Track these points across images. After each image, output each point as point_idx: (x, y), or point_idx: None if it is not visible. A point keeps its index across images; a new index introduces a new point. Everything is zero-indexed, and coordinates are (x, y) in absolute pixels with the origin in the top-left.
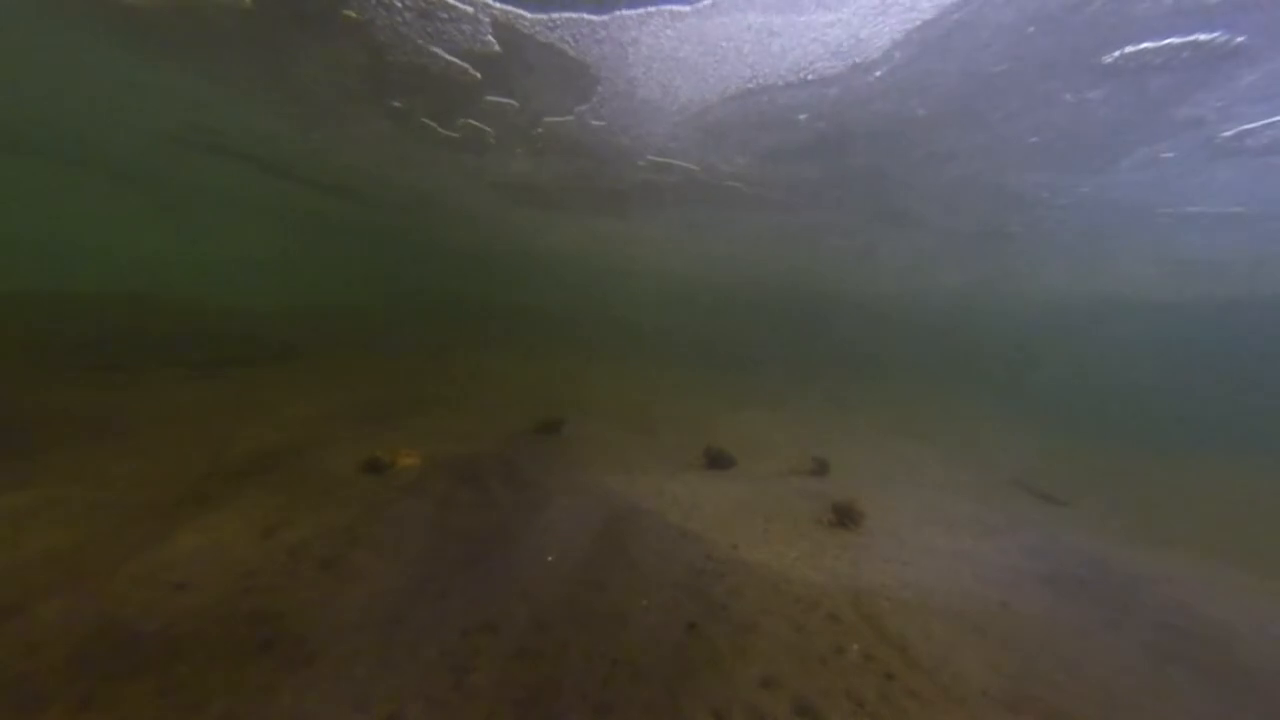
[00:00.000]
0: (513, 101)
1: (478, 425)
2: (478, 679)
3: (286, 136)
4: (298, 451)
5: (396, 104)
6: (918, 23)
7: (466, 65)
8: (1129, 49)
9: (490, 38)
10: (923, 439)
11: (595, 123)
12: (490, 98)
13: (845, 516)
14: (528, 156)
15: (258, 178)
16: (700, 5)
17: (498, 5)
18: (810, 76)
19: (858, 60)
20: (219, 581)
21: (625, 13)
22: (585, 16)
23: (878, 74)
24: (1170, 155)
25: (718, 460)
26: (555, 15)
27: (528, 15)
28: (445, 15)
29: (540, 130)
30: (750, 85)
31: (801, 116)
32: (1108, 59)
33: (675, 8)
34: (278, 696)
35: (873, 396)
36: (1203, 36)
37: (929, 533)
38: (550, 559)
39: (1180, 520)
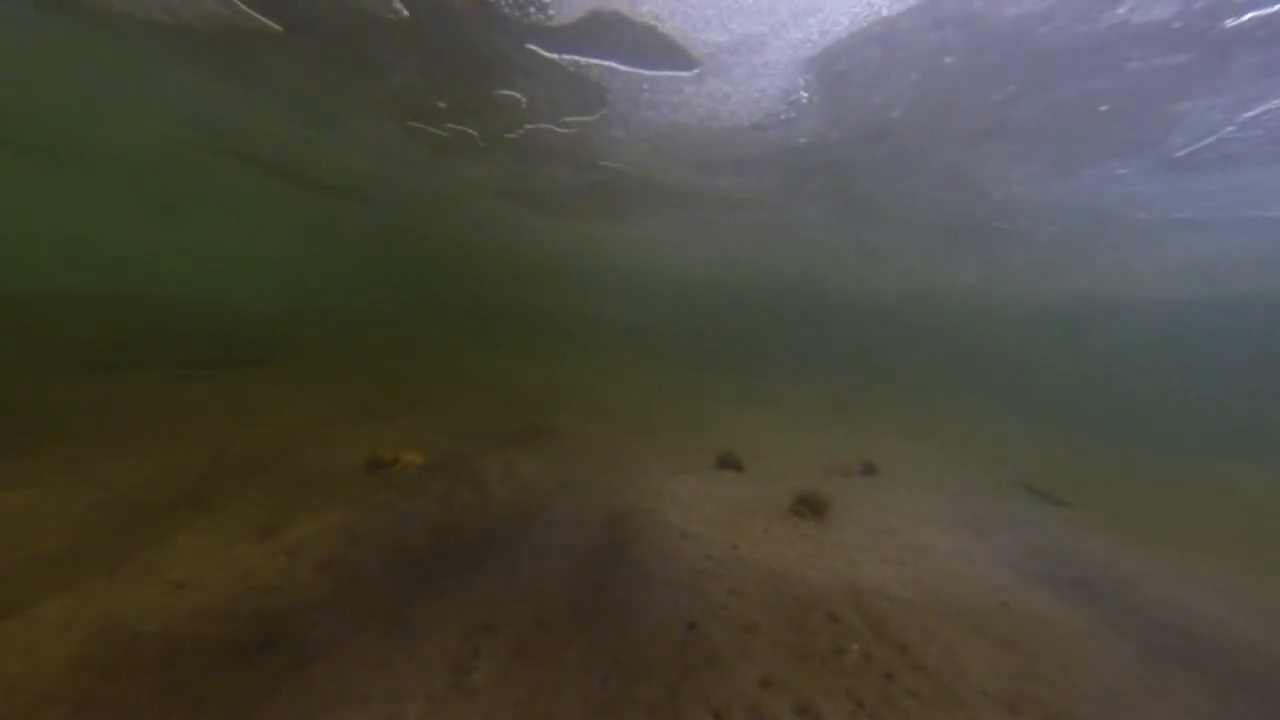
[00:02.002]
0: (518, 95)
1: (477, 424)
2: (478, 679)
3: (286, 136)
4: (297, 451)
5: (420, 104)
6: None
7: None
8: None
9: None
10: (922, 438)
11: (565, 131)
12: (501, 92)
13: (809, 507)
14: (507, 160)
15: (257, 177)
16: (695, 72)
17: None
18: (784, 117)
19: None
20: (219, 581)
21: (649, 73)
22: (612, 65)
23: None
24: (1122, 172)
25: (726, 463)
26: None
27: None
28: None
29: (515, 136)
30: (745, 124)
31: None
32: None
33: (680, 73)
34: (278, 696)
35: (872, 396)
36: None
37: (929, 532)
38: (551, 558)
39: (1181, 520)
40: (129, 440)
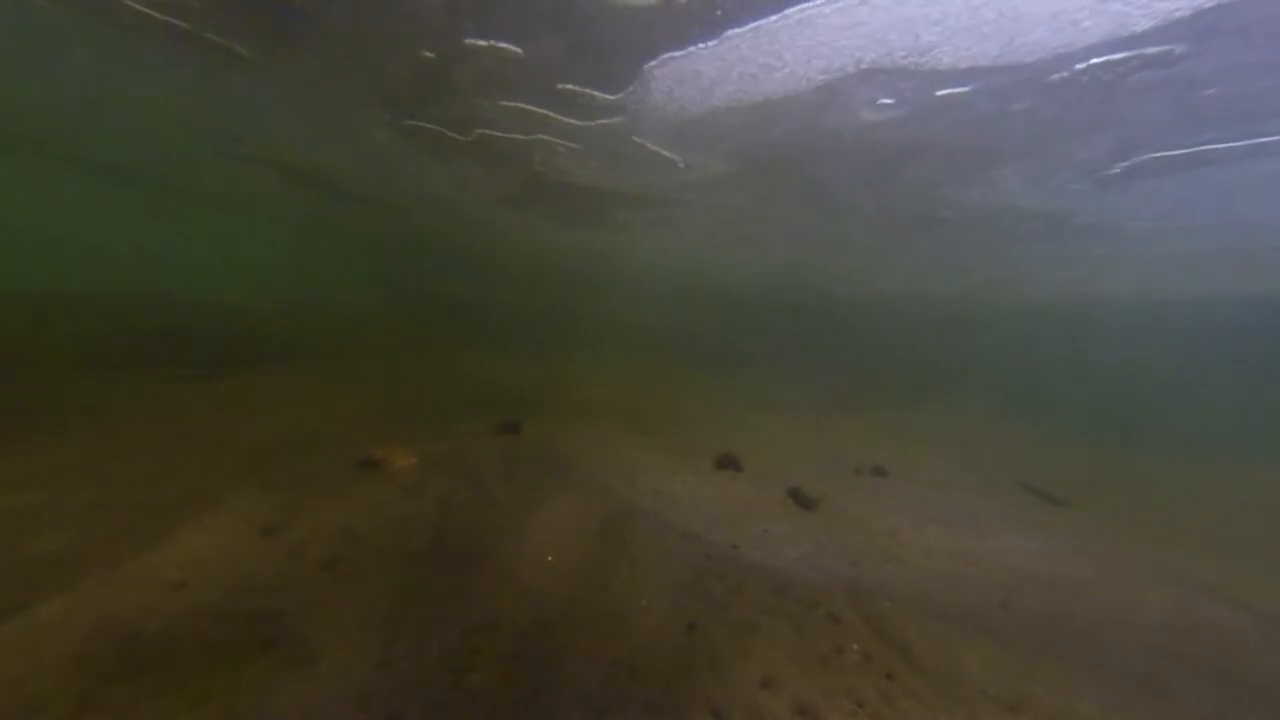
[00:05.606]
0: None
1: (477, 424)
2: (478, 679)
3: (285, 137)
4: (297, 451)
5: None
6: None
7: None
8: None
9: None
10: (923, 439)
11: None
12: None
13: (799, 503)
14: (470, 162)
15: (257, 176)
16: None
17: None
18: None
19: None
20: (219, 581)
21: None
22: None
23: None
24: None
25: (726, 464)
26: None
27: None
28: None
29: (470, 139)
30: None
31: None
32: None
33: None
34: (278, 696)
35: (872, 397)
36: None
37: (930, 533)
38: (550, 559)
39: (1181, 521)
40: (129, 440)
